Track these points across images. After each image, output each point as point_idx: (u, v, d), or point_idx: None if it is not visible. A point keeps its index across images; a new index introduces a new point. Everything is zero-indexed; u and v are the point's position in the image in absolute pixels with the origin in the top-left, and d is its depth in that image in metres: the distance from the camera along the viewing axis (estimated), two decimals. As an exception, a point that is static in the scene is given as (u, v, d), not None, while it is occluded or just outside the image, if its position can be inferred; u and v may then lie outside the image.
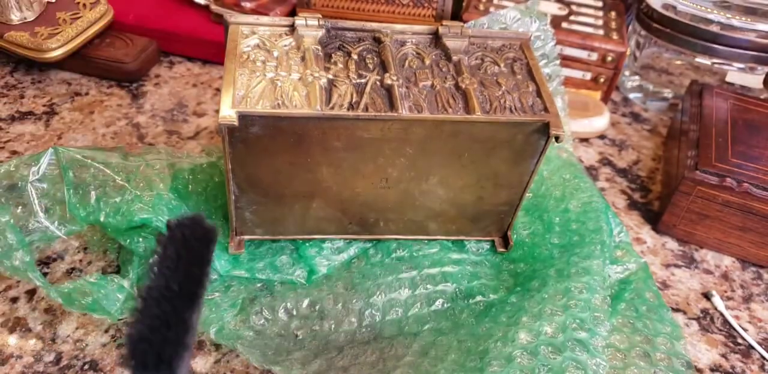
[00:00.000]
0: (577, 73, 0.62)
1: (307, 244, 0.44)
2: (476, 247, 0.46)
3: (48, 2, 0.60)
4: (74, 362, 0.37)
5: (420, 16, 0.64)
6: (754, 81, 0.61)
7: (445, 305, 0.41)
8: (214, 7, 0.65)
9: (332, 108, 0.35)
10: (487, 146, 0.38)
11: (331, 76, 0.37)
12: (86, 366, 0.37)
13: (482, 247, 0.46)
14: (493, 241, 0.46)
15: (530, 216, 0.47)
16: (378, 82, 0.37)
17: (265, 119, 0.34)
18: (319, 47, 0.38)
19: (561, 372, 0.34)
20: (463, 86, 0.37)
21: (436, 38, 0.40)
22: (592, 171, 0.57)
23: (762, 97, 0.59)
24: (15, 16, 0.57)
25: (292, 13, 0.65)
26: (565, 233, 0.44)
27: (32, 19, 0.58)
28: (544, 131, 0.37)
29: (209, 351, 0.39)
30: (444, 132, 0.37)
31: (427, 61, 0.39)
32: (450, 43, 0.40)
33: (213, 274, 0.41)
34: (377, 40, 0.40)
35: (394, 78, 0.37)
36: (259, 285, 0.42)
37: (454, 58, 0.39)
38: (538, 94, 0.38)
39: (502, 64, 0.40)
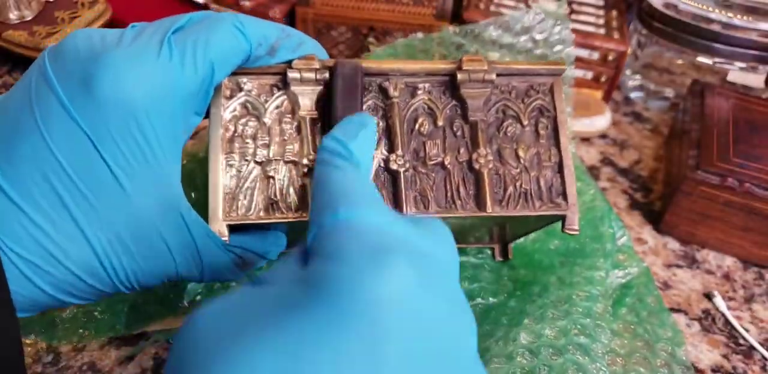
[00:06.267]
0: (578, 72, 0.61)
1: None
2: (476, 250, 0.45)
3: (46, 1, 0.60)
4: (72, 363, 0.37)
5: (420, 15, 0.64)
6: (755, 80, 0.61)
7: (445, 306, 0.41)
8: (213, 6, 0.65)
9: None
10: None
11: None
12: (85, 367, 0.37)
13: (482, 250, 0.46)
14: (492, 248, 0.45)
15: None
16: (382, 163, 0.34)
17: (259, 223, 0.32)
18: (316, 112, 0.33)
19: (562, 372, 0.34)
20: (477, 167, 0.34)
21: (452, 84, 0.35)
22: (593, 171, 0.57)
23: (764, 96, 0.59)
24: (13, 15, 0.57)
25: (291, 12, 0.65)
26: (566, 239, 0.44)
27: (30, 18, 0.58)
28: (558, 220, 0.35)
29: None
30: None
31: (440, 122, 0.35)
32: (468, 92, 0.35)
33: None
34: (384, 92, 0.35)
35: (401, 162, 0.33)
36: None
37: (471, 118, 0.35)
38: (559, 168, 0.35)
39: (525, 121, 0.35)
